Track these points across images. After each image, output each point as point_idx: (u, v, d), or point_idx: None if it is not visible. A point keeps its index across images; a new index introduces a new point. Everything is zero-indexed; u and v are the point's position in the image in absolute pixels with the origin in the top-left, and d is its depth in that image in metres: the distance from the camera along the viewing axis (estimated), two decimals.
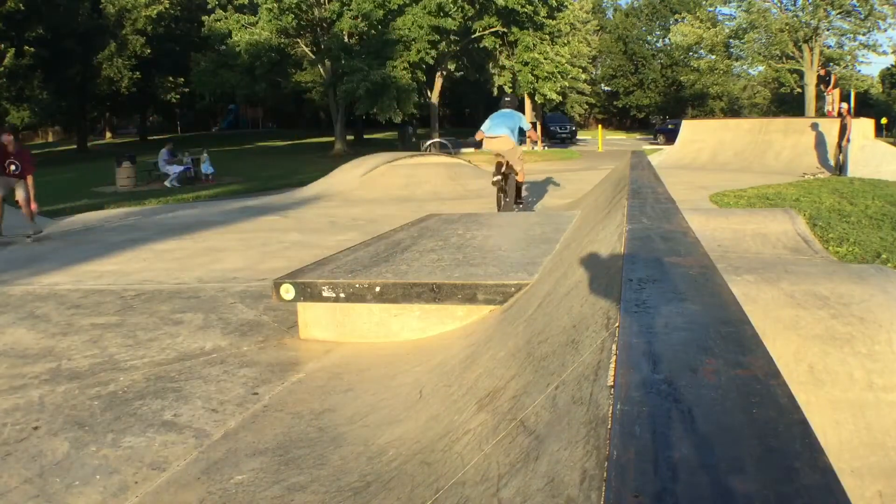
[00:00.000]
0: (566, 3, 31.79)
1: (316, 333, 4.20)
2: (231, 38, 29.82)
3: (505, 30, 30.43)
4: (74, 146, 37.38)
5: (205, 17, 31.10)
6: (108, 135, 51.11)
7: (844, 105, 16.00)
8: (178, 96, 39.73)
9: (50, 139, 51.57)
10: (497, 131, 8.93)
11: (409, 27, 28.49)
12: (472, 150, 31.50)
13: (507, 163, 9.01)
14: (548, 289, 3.24)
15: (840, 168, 14.84)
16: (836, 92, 18.20)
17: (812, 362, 3.05)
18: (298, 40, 30.67)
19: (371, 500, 2.12)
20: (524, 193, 9.84)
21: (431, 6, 28.44)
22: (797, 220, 6.61)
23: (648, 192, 4.59)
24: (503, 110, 9.23)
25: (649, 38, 58.52)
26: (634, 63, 57.56)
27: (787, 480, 0.91)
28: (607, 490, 0.96)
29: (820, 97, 40.76)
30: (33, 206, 9.04)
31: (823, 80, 18.98)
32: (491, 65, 33.33)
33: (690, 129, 20.78)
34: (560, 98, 33.30)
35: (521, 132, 9.28)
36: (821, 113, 20.47)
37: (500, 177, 9.01)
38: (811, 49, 40.10)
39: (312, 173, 17.51)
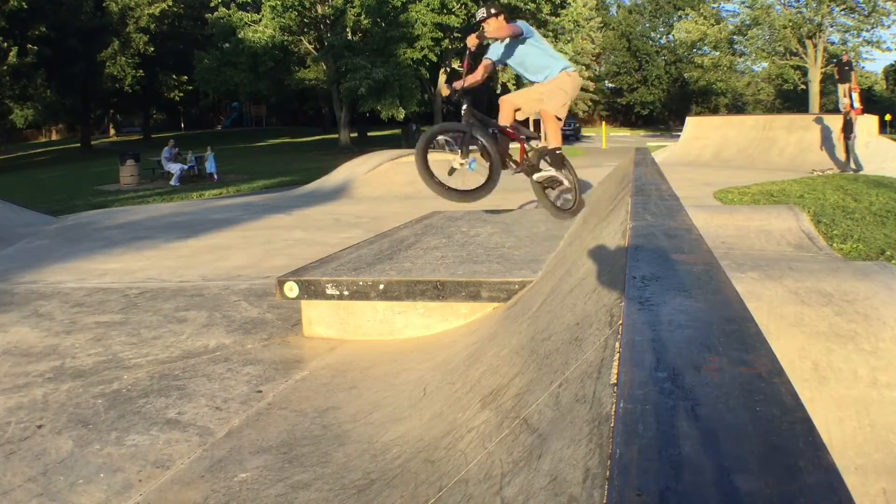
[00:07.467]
0: (569, 1, 31.68)
1: (319, 331, 4.20)
2: (235, 35, 29.85)
3: None
4: (78, 144, 37.45)
5: (208, 15, 31.11)
6: (112, 133, 51.20)
7: (846, 101, 15.80)
8: (181, 94, 39.78)
9: (53, 137, 51.70)
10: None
11: (413, 24, 28.48)
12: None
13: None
14: (551, 286, 3.23)
15: (855, 165, 14.68)
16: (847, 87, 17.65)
17: (816, 359, 3.05)
18: (302, 38, 30.68)
19: (374, 497, 2.12)
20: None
21: (435, 3, 28.42)
22: (801, 217, 6.57)
23: (652, 188, 4.57)
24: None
25: (653, 34, 58.40)
26: (638, 60, 57.43)
27: (791, 478, 0.90)
28: (610, 488, 0.95)
29: (825, 94, 40.65)
30: None
31: (842, 70, 17.68)
32: None
33: (694, 125, 20.73)
34: None
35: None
36: (827, 109, 19.92)
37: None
38: (815, 45, 39.98)
39: (316, 171, 17.51)
